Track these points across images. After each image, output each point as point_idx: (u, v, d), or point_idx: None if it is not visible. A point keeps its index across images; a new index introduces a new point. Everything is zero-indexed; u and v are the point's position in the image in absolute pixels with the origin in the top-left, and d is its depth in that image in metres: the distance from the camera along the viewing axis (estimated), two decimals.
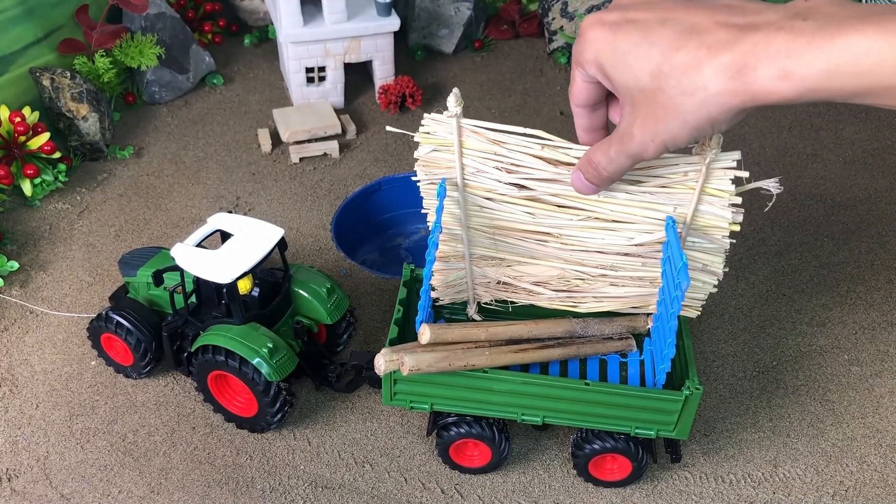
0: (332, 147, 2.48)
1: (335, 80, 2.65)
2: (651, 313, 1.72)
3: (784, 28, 0.77)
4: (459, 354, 1.45)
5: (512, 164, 1.40)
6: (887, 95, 0.74)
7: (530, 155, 1.37)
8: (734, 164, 1.36)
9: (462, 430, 1.58)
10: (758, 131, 2.66)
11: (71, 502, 1.59)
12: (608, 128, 1.06)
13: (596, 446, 1.56)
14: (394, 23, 2.59)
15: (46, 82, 2.40)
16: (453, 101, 1.33)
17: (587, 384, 1.48)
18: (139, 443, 1.70)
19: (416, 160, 1.43)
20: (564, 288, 1.61)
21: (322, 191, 2.36)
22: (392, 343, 1.53)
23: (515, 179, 1.41)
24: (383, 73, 2.69)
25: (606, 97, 1.03)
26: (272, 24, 2.96)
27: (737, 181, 1.38)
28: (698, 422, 1.77)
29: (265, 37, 3.04)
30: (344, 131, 2.56)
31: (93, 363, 1.85)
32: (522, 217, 1.47)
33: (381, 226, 2.43)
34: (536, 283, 1.61)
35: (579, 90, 0.97)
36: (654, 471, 1.66)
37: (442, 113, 1.36)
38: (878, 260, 2.19)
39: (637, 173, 1.36)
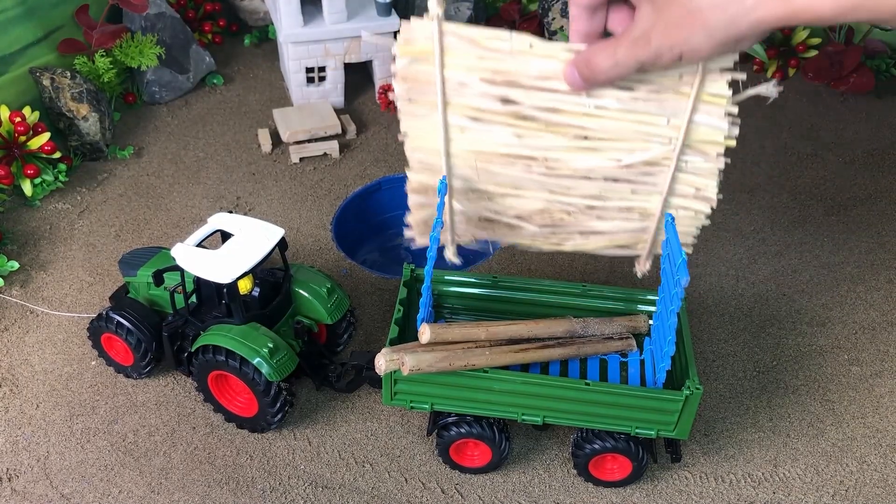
0: (333, 147, 2.48)
1: (335, 80, 2.65)
2: (651, 313, 1.72)
3: None
4: (460, 354, 1.45)
5: (498, 73, 1.25)
6: None
7: (520, 54, 1.22)
8: (731, 66, 1.23)
9: (462, 430, 1.58)
10: (758, 131, 2.66)
11: (71, 502, 1.59)
12: (603, 37, 0.96)
13: (596, 446, 1.56)
14: (394, 23, 2.59)
15: (47, 82, 2.40)
16: (434, 0, 1.17)
17: (587, 384, 1.48)
18: (139, 443, 1.70)
19: (394, 75, 1.29)
20: (549, 223, 1.48)
21: (322, 191, 2.36)
22: (392, 343, 1.53)
23: (502, 91, 1.28)
24: (383, 73, 2.69)
25: (609, 1, 0.93)
26: (272, 24, 2.96)
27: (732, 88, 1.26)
28: (698, 422, 1.77)
29: (265, 37, 3.04)
30: (344, 131, 2.56)
31: (93, 363, 1.85)
32: (508, 139, 1.34)
33: (381, 226, 2.43)
34: (519, 218, 1.49)
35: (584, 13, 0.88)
36: (654, 470, 1.66)
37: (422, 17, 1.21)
38: (878, 260, 2.19)
39: (628, 77, 1.21)
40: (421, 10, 2.93)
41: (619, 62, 0.88)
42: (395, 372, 1.50)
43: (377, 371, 1.45)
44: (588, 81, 0.94)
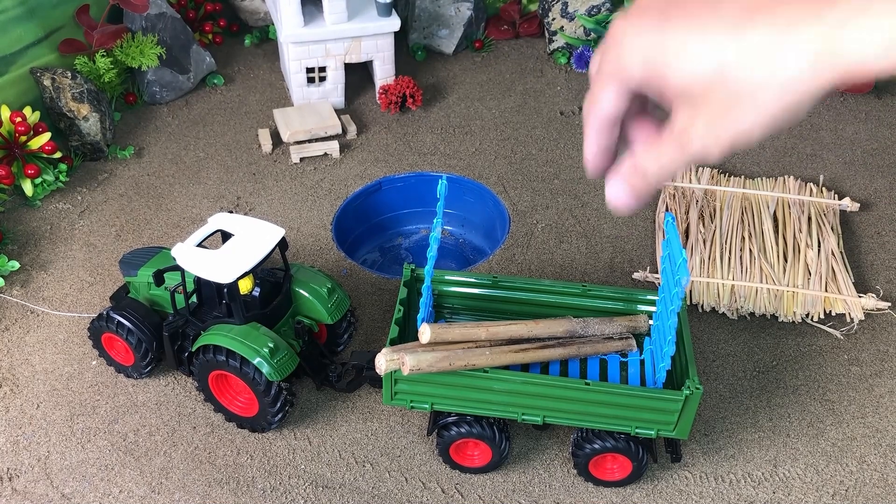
0: (333, 147, 2.48)
1: (336, 80, 2.65)
2: (651, 313, 1.72)
3: None
4: (460, 354, 1.45)
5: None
6: None
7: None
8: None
9: (462, 430, 1.58)
10: None
11: (72, 502, 1.59)
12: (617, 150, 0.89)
13: (596, 446, 1.56)
14: (394, 23, 2.59)
15: (47, 82, 2.40)
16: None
17: (587, 384, 1.48)
18: (140, 442, 1.70)
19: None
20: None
21: (322, 191, 2.37)
22: (392, 343, 1.53)
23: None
24: (384, 73, 2.70)
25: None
26: (273, 24, 2.96)
27: None
28: (698, 421, 1.77)
29: (266, 37, 3.04)
30: (344, 131, 2.56)
31: (93, 363, 1.85)
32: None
33: (381, 226, 2.43)
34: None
35: (610, 105, 0.80)
36: (653, 470, 1.66)
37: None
38: (877, 261, 2.19)
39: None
40: (421, 10, 2.93)
41: (665, 165, 0.79)
42: (395, 372, 1.51)
43: (377, 371, 1.45)
44: (642, 190, 0.81)
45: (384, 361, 1.42)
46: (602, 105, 0.79)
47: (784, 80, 0.67)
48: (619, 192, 0.81)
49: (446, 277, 1.74)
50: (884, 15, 0.62)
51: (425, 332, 1.44)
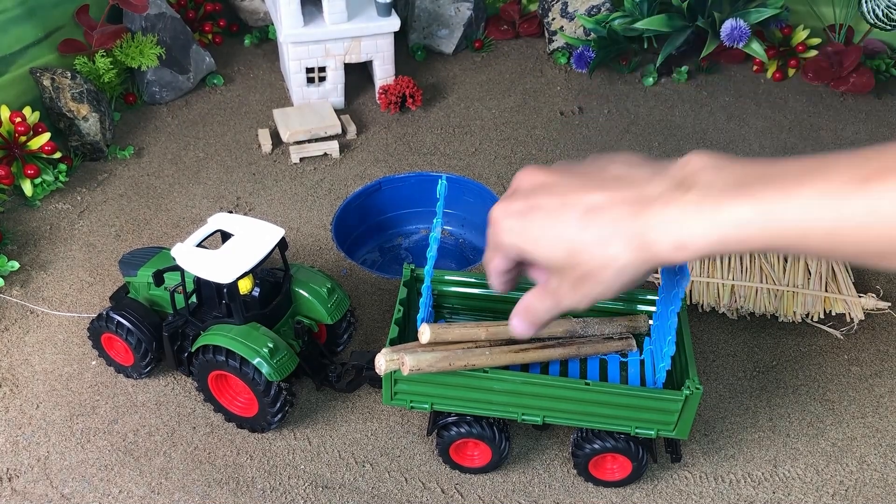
0: (333, 147, 2.48)
1: (335, 80, 2.65)
2: (651, 313, 1.72)
3: (671, 202, 0.85)
4: (460, 354, 1.45)
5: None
6: (777, 250, 0.83)
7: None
8: None
9: (462, 430, 1.58)
10: (758, 131, 2.66)
11: (71, 502, 1.59)
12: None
13: (596, 446, 1.56)
14: (394, 23, 2.59)
15: (47, 82, 2.40)
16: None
17: (587, 384, 1.48)
18: (139, 442, 1.70)
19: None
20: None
21: (322, 191, 2.37)
22: (392, 343, 1.53)
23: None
24: (383, 73, 2.70)
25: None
26: (272, 24, 2.96)
27: None
28: (698, 421, 1.77)
29: (265, 37, 3.04)
30: (344, 131, 2.56)
31: (93, 363, 1.85)
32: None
33: (381, 226, 2.43)
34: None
35: (499, 267, 1.08)
36: (653, 470, 1.66)
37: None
38: None
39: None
40: (421, 10, 2.93)
41: (548, 309, 1.05)
42: (395, 372, 1.50)
43: (377, 371, 1.45)
44: (534, 325, 1.10)
45: (384, 362, 1.42)
46: (493, 266, 1.06)
47: (617, 266, 0.90)
48: (518, 325, 1.10)
49: (446, 277, 1.74)
50: (673, 225, 0.84)
51: (425, 332, 1.44)
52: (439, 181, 1.46)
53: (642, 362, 1.67)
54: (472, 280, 1.75)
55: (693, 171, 0.86)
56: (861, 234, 0.75)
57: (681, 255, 0.87)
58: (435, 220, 1.45)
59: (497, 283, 1.13)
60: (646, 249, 0.88)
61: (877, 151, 0.76)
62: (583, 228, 0.91)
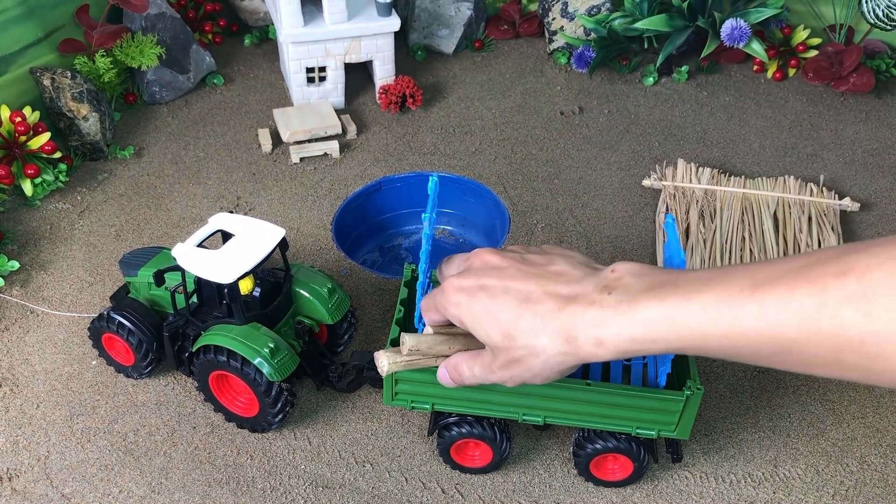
0: (333, 147, 2.48)
1: (335, 80, 2.65)
2: None
3: (595, 302, 0.93)
4: (461, 339, 1.42)
5: None
6: (688, 351, 0.90)
7: None
8: None
9: (463, 431, 1.58)
10: (758, 131, 2.66)
11: (71, 502, 1.59)
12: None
13: (598, 446, 1.56)
14: (394, 23, 2.59)
15: (47, 82, 2.40)
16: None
17: (588, 384, 1.48)
18: (140, 442, 1.70)
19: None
20: None
21: (322, 191, 2.36)
22: (393, 343, 1.53)
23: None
24: (384, 73, 2.70)
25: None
26: (272, 24, 2.96)
27: None
28: (698, 421, 1.77)
29: (265, 37, 3.04)
30: (344, 131, 2.56)
31: (93, 363, 1.85)
32: None
33: (381, 226, 2.43)
34: None
35: (434, 319, 1.21)
36: (654, 470, 1.66)
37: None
38: None
39: None
40: (421, 10, 2.93)
41: (476, 376, 1.14)
42: (395, 371, 1.50)
43: (379, 372, 1.42)
44: (457, 383, 1.20)
45: (387, 363, 1.39)
46: (429, 317, 1.24)
47: (545, 357, 0.97)
48: (444, 377, 1.21)
49: None
50: (592, 324, 0.92)
51: (405, 342, 1.35)
52: (430, 179, 1.45)
53: (645, 365, 1.67)
54: None
55: (617, 277, 0.95)
56: (752, 337, 0.81)
57: (600, 351, 0.94)
58: (423, 216, 1.44)
59: (426, 322, 1.26)
60: (570, 344, 0.95)
61: (769, 263, 0.83)
62: (518, 316, 0.99)
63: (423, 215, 1.48)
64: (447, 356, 1.39)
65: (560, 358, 0.97)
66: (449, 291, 1.09)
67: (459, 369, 1.17)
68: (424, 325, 1.46)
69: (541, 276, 1.01)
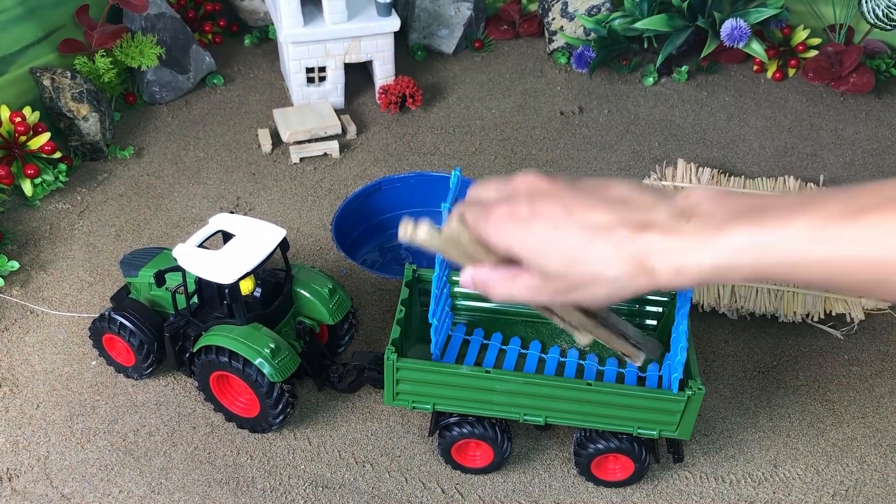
0: (333, 147, 2.48)
1: (335, 80, 2.65)
2: (656, 314, 1.72)
3: (673, 230, 0.89)
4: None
5: None
6: (771, 280, 0.91)
7: None
8: None
9: (464, 431, 1.58)
10: (758, 131, 2.67)
11: (71, 502, 1.59)
12: None
13: (599, 446, 1.56)
14: (394, 23, 2.59)
15: (47, 82, 2.40)
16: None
17: (589, 384, 1.48)
18: (140, 442, 1.70)
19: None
20: None
21: (322, 191, 2.36)
22: (394, 343, 1.52)
23: None
24: (383, 73, 2.69)
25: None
26: (272, 24, 2.96)
27: None
28: (699, 422, 1.77)
29: (265, 37, 3.04)
30: (344, 131, 2.56)
31: (93, 363, 1.85)
32: None
33: (381, 226, 2.43)
34: None
35: (482, 276, 1.07)
36: (654, 470, 1.66)
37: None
38: None
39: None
40: (421, 10, 2.93)
41: (514, 296, 1.05)
42: (397, 372, 1.51)
43: (403, 236, 1.13)
44: (482, 293, 1.09)
45: (426, 231, 1.11)
46: (480, 275, 1.06)
47: (615, 285, 0.93)
48: (467, 284, 1.08)
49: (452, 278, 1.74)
50: (673, 252, 0.87)
51: (451, 226, 1.10)
52: (453, 173, 1.46)
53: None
54: None
55: (694, 203, 0.90)
56: (848, 265, 0.77)
57: (679, 280, 0.89)
58: (443, 205, 1.44)
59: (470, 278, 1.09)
60: (646, 273, 0.90)
61: (870, 187, 0.79)
62: (586, 244, 0.92)
63: (442, 205, 1.48)
64: (476, 263, 1.17)
65: (630, 286, 0.92)
66: (496, 217, 0.99)
67: (490, 287, 1.07)
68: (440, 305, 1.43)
69: (606, 202, 0.94)
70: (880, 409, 1.82)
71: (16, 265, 2.06)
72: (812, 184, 2.37)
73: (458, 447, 1.62)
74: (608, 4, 2.91)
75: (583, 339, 1.26)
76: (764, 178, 2.39)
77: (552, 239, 0.95)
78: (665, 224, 0.89)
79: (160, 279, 1.63)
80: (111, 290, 1.94)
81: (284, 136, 2.47)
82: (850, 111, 2.77)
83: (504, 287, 1.05)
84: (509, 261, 1.04)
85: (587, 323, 1.39)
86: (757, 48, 2.79)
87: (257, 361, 1.59)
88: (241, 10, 3.02)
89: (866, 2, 2.75)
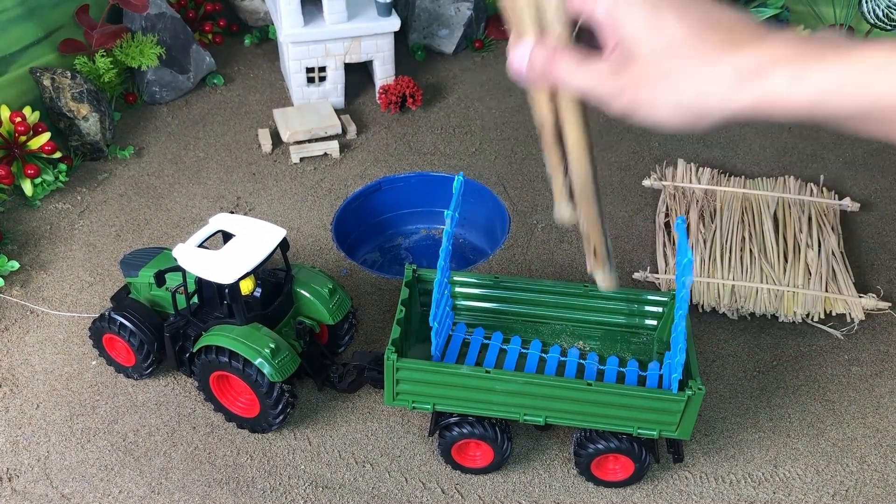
0: (333, 147, 2.48)
1: (335, 80, 2.65)
2: (655, 314, 1.72)
3: (802, 39, 0.76)
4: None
5: None
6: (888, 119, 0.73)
7: None
8: None
9: (465, 431, 1.58)
10: (758, 131, 2.66)
11: (71, 502, 1.59)
12: None
13: (600, 446, 1.56)
14: (394, 23, 2.59)
15: (47, 82, 2.40)
16: None
17: (589, 384, 1.48)
18: (140, 442, 1.70)
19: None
20: None
21: (322, 191, 2.36)
22: (394, 343, 1.52)
23: None
24: (383, 73, 2.69)
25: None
26: (272, 24, 2.96)
27: None
28: (699, 422, 1.77)
29: (265, 37, 3.04)
30: (344, 131, 2.56)
31: (93, 363, 1.85)
32: None
33: (381, 226, 2.43)
34: None
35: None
36: (654, 471, 1.66)
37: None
38: (878, 260, 2.19)
39: None
40: (421, 10, 2.93)
41: (573, 82, 0.86)
42: (397, 372, 1.51)
43: (559, 213, 1.06)
44: (531, 78, 0.87)
45: (566, 208, 1.04)
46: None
47: (709, 88, 0.78)
48: (520, 60, 0.85)
49: (454, 278, 1.74)
50: (797, 57, 0.74)
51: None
52: (456, 178, 1.46)
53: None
54: (474, 280, 1.75)
55: (822, 35, 0.78)
56: None
57: (795, 89, 0.75)
58: (446, 212, 1.45)
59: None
60: (755, 80, 0.77)
61: None
62: (701, 31, 0.80)
63: (445, 212, 1.48)
64: (541, 34, 1.02)
65: (727, 97, 0.78)
66: None
67: (550, 67, 0.86)
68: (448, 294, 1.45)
69: (731, 11, 0.82)
70: (880, 409, 1.82)
71: (16, 265, 2.06)
72: (812, 184, 2.37)
73: (458, 447, 1.62)
74: None
75: (564, 211, 0.94)
76: (764, 178, 2.39)
77: (669, 14, 0.80)
78: (791, 36, 0.77)
79: (160, 279, 1.63)
80: (111, 290, 1.94)
81: (284, 136, 2.47)
82: None
83: (567, 69, 0.86)
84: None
85: (587, 188, 1.06)
86: None
87: (257, 361, 1.59)
88: (241, 10, 3.02)
89: (866, 2, 2.75)
